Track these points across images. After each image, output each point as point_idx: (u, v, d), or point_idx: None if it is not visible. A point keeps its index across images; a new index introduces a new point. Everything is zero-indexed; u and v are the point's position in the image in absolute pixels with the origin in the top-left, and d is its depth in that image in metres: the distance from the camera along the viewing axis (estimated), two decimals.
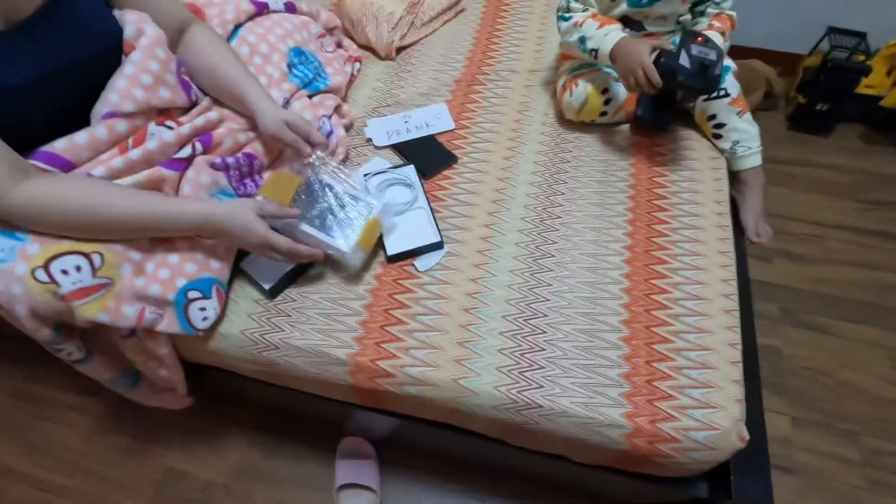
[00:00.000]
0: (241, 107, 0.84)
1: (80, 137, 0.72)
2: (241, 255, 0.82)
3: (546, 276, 0.82)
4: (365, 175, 0.91)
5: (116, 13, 0.77)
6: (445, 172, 0.95)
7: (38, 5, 0.66)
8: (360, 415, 1.09)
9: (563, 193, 0.92)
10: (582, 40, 0.90)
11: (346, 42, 1.13)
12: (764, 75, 1.62)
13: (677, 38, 0.96)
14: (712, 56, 0.80)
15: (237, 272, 0.81)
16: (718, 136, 0.96)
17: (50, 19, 0.67)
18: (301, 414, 1.12)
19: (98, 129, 0.73)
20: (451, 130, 1.00)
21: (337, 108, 0.97)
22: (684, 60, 0.80)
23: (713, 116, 0.95)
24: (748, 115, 0.94)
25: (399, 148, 0.98)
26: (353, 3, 1.16)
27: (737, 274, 0.82)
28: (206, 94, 0.87)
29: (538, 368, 0.72)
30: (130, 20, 0.76)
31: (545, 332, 0.76)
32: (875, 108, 1.55)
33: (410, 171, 0.92)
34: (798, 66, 1.64)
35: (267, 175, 0.86)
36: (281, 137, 0.81)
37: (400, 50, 1.15)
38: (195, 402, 0.95)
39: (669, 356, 0.73)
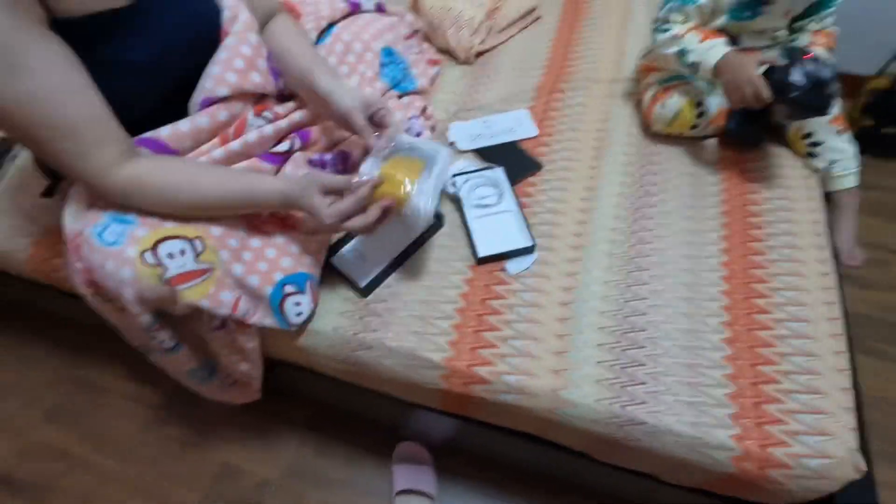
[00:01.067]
0: (312, 93, 0.78)
1: (184, 126, 0.72)
2: (332, 251, 0.81)
3: (641, 289, 0.80)
4: (454, 175, 0.90)
5: None
6: (530, 179, 0.94)
7: None
8: (418, 418, 1.07)
9: (654, 206, 0.90)
10: (682, 53, 0.89)
11: (426, 45, 1.13)
12: None
13: (775, 53, 0.95)
14: (827, 73, 0.78)
15: (328, 270, 0.81)
16: (813, 155, 0.94)
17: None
18: (355, 414, 1.11)
19: (200, 118, 0.73)
20: (534, 137, 0.99)
21: (423, 111, 0.97)
22: (797, 76, 0.78)
23: (809, 134, 0.92)
24: (848, 135, 0.91)
25: (482, 153, 0.97)
26: (431, 7, 1.16)
27: (839, 298, 0.79)
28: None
29: (640, 383, 0.70)
30: (228, 4, 0.77)
31: (644, 347, 0.74)
32: None
33: (500, 173, 0.91)
34: (862, 87, 1.60)
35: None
36: (352, 118, 0.73)
37: (479, 54, 1.15)
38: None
39: (776, 378, 0.70)
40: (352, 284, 0.79)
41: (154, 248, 0.64)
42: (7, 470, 1.10)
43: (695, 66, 0.88)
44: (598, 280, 0.81)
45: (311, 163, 0.79)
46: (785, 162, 0.96)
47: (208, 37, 0.75)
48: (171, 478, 1.08)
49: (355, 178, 0.68)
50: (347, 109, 0.73)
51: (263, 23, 0.83)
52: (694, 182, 0.93)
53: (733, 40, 0.93)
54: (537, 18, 1.24)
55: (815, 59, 0.79)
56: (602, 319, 0.77)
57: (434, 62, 1.11)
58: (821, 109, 0.82)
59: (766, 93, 0.79)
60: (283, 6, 0.85)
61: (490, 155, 0.96)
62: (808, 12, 0.92)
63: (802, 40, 0.94)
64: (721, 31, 0.92)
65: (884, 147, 1.56)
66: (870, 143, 1.57)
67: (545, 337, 0.75)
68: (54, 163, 0.63)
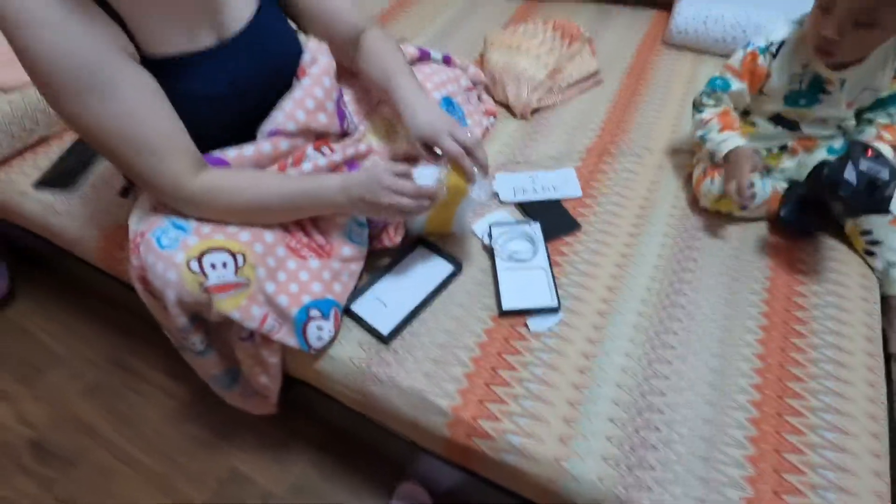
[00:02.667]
0: (388, 97, 0.82)
1: (248, 150, 0.79)
2: (352, 297, 0.84)
3: (664, 368, 0.77)
4: (491, 225, 0.92)
5: (301, 37, 0.85)
6: (566, 238, 0.94)
7: (243, 25, 0.75)
8: (424, 462, 1.06)
9: (690, 283, 0.87)
10: (703, 139, 0.91)
11: (485, 96, 1.18)
12: None
13: (836, 144, 0.92)
14: (885, 175, 0.74)
15: (348, 315, 0.83)
16: (871, 254, 0.89)
17: (251, 38, 0.76)
18: (365, 444, 1.11)
19: (264, 145, 0.80)
20: (578, 198, 1.00)
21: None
22: (850, 174, 0.75)
23: (868, 232, 0.88)
24: None
25: (524, 206, 0.98)
26: (497, 62, 1.21)
27: (887, 412, 0.73)
28: (356, 125, 0.93)
29: (649, 468, 0.67)
30: (310, 48, 0.85)
31: (659, 430, 0.71)
32: None
33: (536, 229, 0.92)
34: None
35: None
36: (440, 142, 0.75)
37: (535, 111, 1.18)
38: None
39: (801, 490, 0.65)
40: (372, 332, 0.80)
41: (200, 256, 0.69)
42: (40, 435, 1.19)
43: (712, 154, 0.89)
44: (620, 351, 0.79)
45: None
46: (841, 257, 0.91)
47: (287, 74, 0.82)
48: (182, 474, 1.12)
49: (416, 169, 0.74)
50: (424, 135, 0.78)
51: (355, 38, 0.87)
52: (737, 266, 0.90)
53: (793, 125, 0.92)
54: (599, 82, 1.26)
55: (876, 157, 0.75)
56: (619, 393, 0.74)
57: (491, 113, 1.15)
58: (874, 210, 0.78)
59: (743, 198, 0.82)
60: (377, 20, 0.91)
61: (531, 209, 0.98)
62: (877, 105, 0.89)
63: (869, 133, 0.90)
64: (778, 115, 0.91)
65: None
66: None
67: (557, 401, 0.73)
68: (132, 176, 0.70)
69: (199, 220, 0.73)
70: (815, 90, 0.86)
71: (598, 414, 0.72)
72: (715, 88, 0.92)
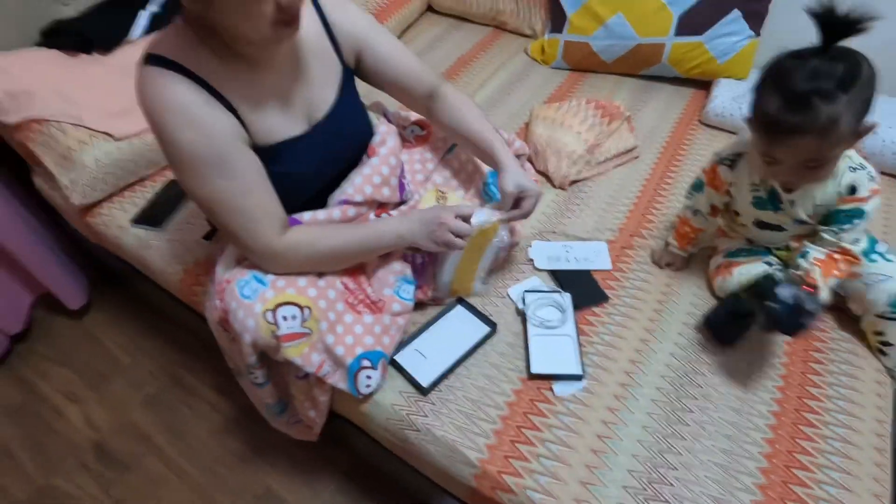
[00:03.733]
0: (489, 161, 0.97)
1: (321, 215, 0.91)
2: (396, 349, 0.93)
3: (678, 443, 0.83)
4: (525, 291, 1.01)
5: (372, 117, 0.99)
6: (595, 309, 1.02)
7: (328, 110, 0.88)
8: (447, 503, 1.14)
9: (708, 363, 0.94)
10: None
11: (527, 166, 1.29)
12: None
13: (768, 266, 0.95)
14: (813, 308, 0.79)
15: (392, 365, 0.93)
16: (883, 353, 0.93)
17: (334, 121, 0.89)
18: (392, 479, 1.19)
19: (334, 211, 0.92)
20: (608, 271, 1.08)
21: (511, 229, 1.10)
22: (785, 292, 0.80)
23: (881, 333, 0.92)
24: None
25: (556, 274, 1.07)
26: (540, 136, 1.32)
27: None
28: (412, 193, 1.05)
29: None
30: (381, 131, 0.98)
31: (668, 502, 0.77)
32: None
33: (567, 299, 1.00)
34: None
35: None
36: (525, 202, 0.91)
37: (573, 182, 1.28)
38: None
39: None
40: (413, 383, 0.90)
41: (275, 308, 0.81)
42: (102, 439, 1.32)
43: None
44: (638, 423, 0.86)
45: (404, 258, 0.96)
46: (859, 351, 0.95)
47: (360, 152, 0.96)
48: (221, 486, 1.23)
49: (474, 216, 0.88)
50: (509, 192, 0.90)
51: (427, 95, 0.98)
52: (753, 351, 0.96)
53: (777, 228, 0.93)
54: (636, 157, 1.35)
55: (810, 294, 0.80)
56: (634, 463, 0.81)
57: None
58: (787, 330, 0.83)
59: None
60: (442, 78, 1.03)
61: (563, 278, 1.06)
62: (826, 220, 0.86)
63: (809, 258, 0.86)
64: (761, 221, 0.94)
65: None
66: None
67: (576, 464, 0.81)
68: (227, 234, 0.83)
69: (276, 275, 0.84)
70: (775, 200, 0.89)
71: (613, 480, 0.79)
72: (696, 186, 1.00)
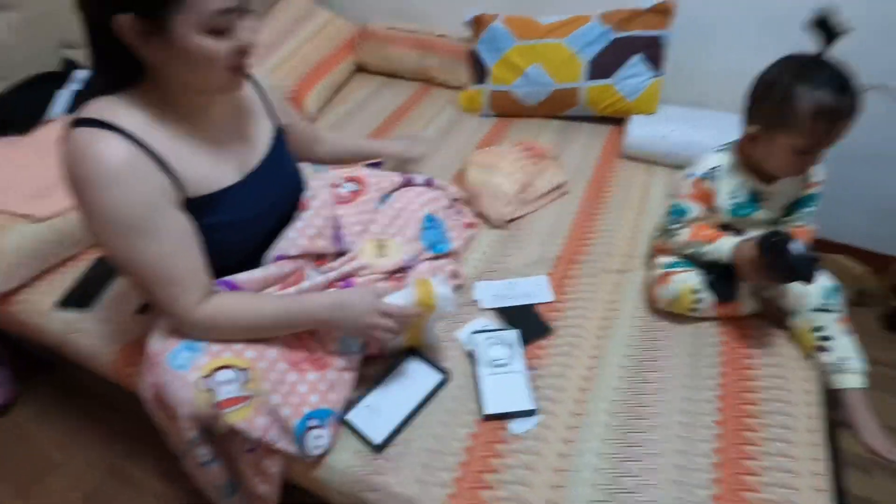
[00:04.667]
0: (374, 156, 1.26)
1: (257, 273, 0.91)
2: (348, 407, 0.91)
3: (633, 465, 0.85)
4: (472, 332, 1.03)
5: (304, 175, 1.02)
6: (541, 342, 1.04)
7: (261, 159, 0.91)
8: None
9: (654, 382, 0.97)
10: (698, 254, 1.05)
11: (465, 209, 1.33)
12: (853, 273, 1.65)
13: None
14: (816, 257, 0.91)
15: (344, 424, 0.90)
16: (823, 349, 0.99)
17: (267, 170, 0.92)
18: None
19: (271, 269, 0.92)
20: (550, 302, 1.12)
21: (452, 274, 1.13)
22: (797, 247, 0.90)
23: (820, 328, 0.99)
24: (855, 337, 0.98)
25: (502, 311, 1.10)
26: (474, 180, 1.38)
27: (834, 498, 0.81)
28: (351, 245, 1.06)
29: None
30: (312, 185, 1.01)
31: None
32: None
33: (514, 335, 1.02)
34: (890, 267, 1.65)
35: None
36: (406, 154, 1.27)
37: (510, 221, 1.33)
38: None
39: None
40: (366, 441, 0.88)
41: (211, 374, 0.78)
42: None
43: (714, 261, 1.03)
44: (592, 451, 0.87)
45: None
46: (785, 352, 1.02)
47: (292, 206, 0.98)
48: None
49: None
50: (398, 152, 1.29)
51: (311, 141, 1.17)
52: (694, 362, 1.00)
53: (738, 231, 1.06)
54: (565, 193, 1.43)
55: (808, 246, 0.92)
56: (593, 493, 0.82)
57: (471, 225, 1.30)
58: (804, 278, 0.92)
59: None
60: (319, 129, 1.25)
61: (509, 315, 1.09)
62: (795, 207, 1.05)
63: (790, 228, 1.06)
64: (725, 225, 1.06)
65: None
66: None
67: (537, 502, 0.80)
68: (152, 301, 0.81)
69: (211, 341, 0.82)
70: (754, 201, 1.03)
71: None
72: (679, 216, 1.07)
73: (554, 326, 1.07)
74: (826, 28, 0.85)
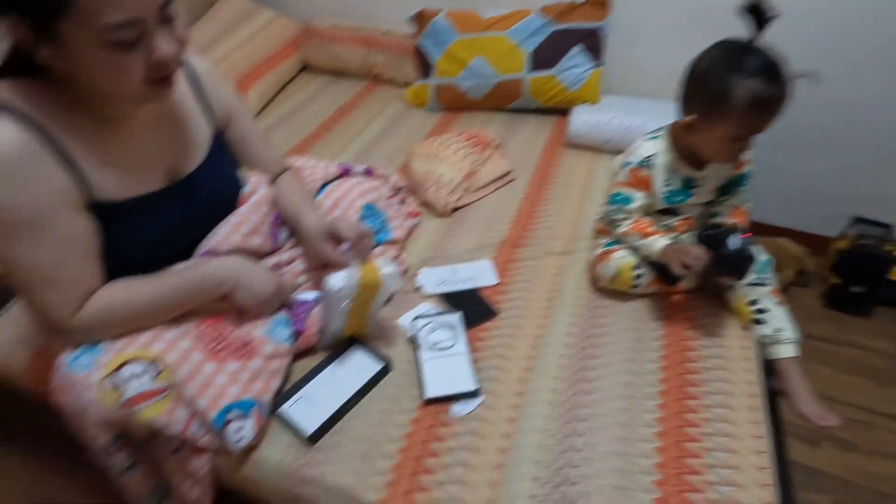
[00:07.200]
0: (299, 232, 0.96)
1: (177, 268, 0.85)
2: (282, 399, 0.87)
3: (576, 440, 0.83)
4: (415, 318, 1.00)
5: (241, 172, 0.96)
6: (485, 325, 1.02)
7: (193, 168, 0.85)
8: None
9: (597, 357, 0.96)
10: (634, 247, 1.06)
11: (409, 199, 1.31)
12: (794, 254, 1.70)
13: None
14: (752, 254, 0.94)
15: (275, 419, 0.85)
16: (759, 322, 1.01)
17: (199, 179, 0.85)
18: None
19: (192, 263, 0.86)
20: (494, 286, 1.10)
21: (395, 258, 1.10)
22: (734, 242, 0.92)
23: (755, 301, 1.01)
24: (787, 308, 1.01)
25: (447, 297, 1.07)
26: (418, 169, 1.36)
27: (776, 462, 0.81)
28: (286, 239, 1.01)
29: None
30: (252, 181, 0.95)
31: (575, 501, 0.75)
32: None
33: (457, 318, 1.00)
34: (829, 246, 1.72)
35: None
36: (338, 227, 0.89)
37: (455, 210, 1.32)
38: None
39: None
40: (297, 433, 0.83)
41: (117, 370, 0.72)
42: None
43: (645, 255, 1.04)
44: (536, 428, 0.85)
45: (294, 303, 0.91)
46: (726, 323, 1.03)
47: (227, 208, 0.91)
48: None
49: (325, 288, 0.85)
50: (315, 241, 0.90)
51: (274, 178, 1.00)
52: (636, 337, 1.00)
53: (675, 212, 1.07)
54: (511, 181, 1.43)
55: (748, 239, 0.94)
56: (536, 469, 0.79)
57: (414, 214, 1.28)
58: (737, 274, 0.96)
59: (698, 260, 0.93)
60: (291, 166, 1.05)
61: (453, 300, 1.07)
62: (728, 187, 1.06)
63: (722, 214, 1.08)
64: (663, 210, 1.07)
65: (852, 304, 1.63)
66: (839, 301, 1.65)
67: (479, 484, 0.77)
68: (27, 303, 0.74)
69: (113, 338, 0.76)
70: (686, 187, 1.04)
71: (517, 493, 0.77)
72: (620, 204, 1.07)
73: (498, 309, 1.05)
74: (757, 13, 0.86)
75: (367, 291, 0.88)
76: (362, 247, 0.88)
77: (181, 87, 0.83)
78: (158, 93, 0.70)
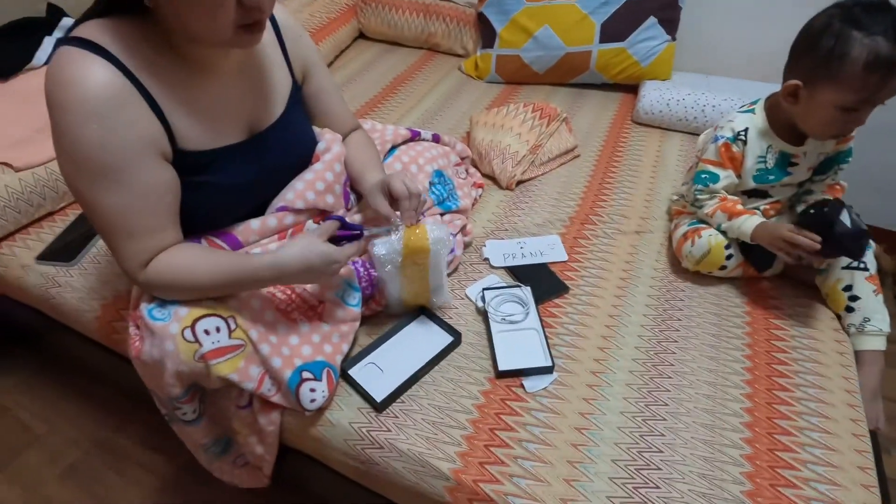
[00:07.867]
0: (362, 190, 0.91)
1: (255, 224, 0.84)
2: (352, 362, 0.85)
3: (658, 424, 0.79)
4: (484, 289, 0.96)
5: (316, 130, 0.93)
6: (556, 301, 0.98)
7: (272, 122, 0.83)
8: None
9: (676, 341, 0.91)
10: (721, 229, 0.98)
11: (472, 170, 1.27)
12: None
13: (798, 209, 1.00)
14: (865, 227, 0.85)
15: (346, 381, 0.84)
16: (851, 309, 0.93)
17: (277, 133, 0.83)
18: None
19: (269, 219, 0.85)
20: (564, 262, 1.06)
21: (462, 228, 1.06)
22: (845, 218, 0.84)
23: (850, 287, 0.93)
24: (882, 297, 0.92)
25: (513, 270, 1.03)
26: (483, 140, 1.31)
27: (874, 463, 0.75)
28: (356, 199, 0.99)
29: None
30: (326, 138, 0.92)
31: (658, 488, 0.71)
32: None
33: (527, 292, 0.96)
34: None
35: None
36: (392, 183, 0.81)
37: (519, 183, 1.27)
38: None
39: None
40: (367, 398, 0.81)
41: (193, 325, 0.71)
42: None
43: (735, 237, 0.96)
44: (615, 409, 0.81)
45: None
46: (814, 313, 0.96)
47: (303, 162, 0.89)
48: None
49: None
50: (371, 195, 0.84)
51: (345, 136, 0.97)
52: (719, 322, 0.95)
53: (764, 194, 1.00)
54: (577, 156, 1.37)
55: (858, 216, 0.86)
56: (617, 451, 0.76)
57: (479, 185, 1.24)
58: (855, 254, 0.87)
59: (806, 242, 0.84)
60: (359, 124, 1.01)
61: (520, 273, 1.03)
62: (825, 164, 0.98)
63: (817, 192, 0.99)
64: (753, 190, 0.99)
65: None
66: None
67: (556, 462, 0.74)
68: (108, 246, 0.72)
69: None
70: (782, 165, 0.95)
71: (598, 473, 0.73)
72: (705, 184, 0.98)
73: (570, 285, 1.01)
74: None
75: (415, 256, 0.83)
76: (410, 205, 0.82)
77: (266, 37, 0.81)
78: (247, 38, 0.67)
